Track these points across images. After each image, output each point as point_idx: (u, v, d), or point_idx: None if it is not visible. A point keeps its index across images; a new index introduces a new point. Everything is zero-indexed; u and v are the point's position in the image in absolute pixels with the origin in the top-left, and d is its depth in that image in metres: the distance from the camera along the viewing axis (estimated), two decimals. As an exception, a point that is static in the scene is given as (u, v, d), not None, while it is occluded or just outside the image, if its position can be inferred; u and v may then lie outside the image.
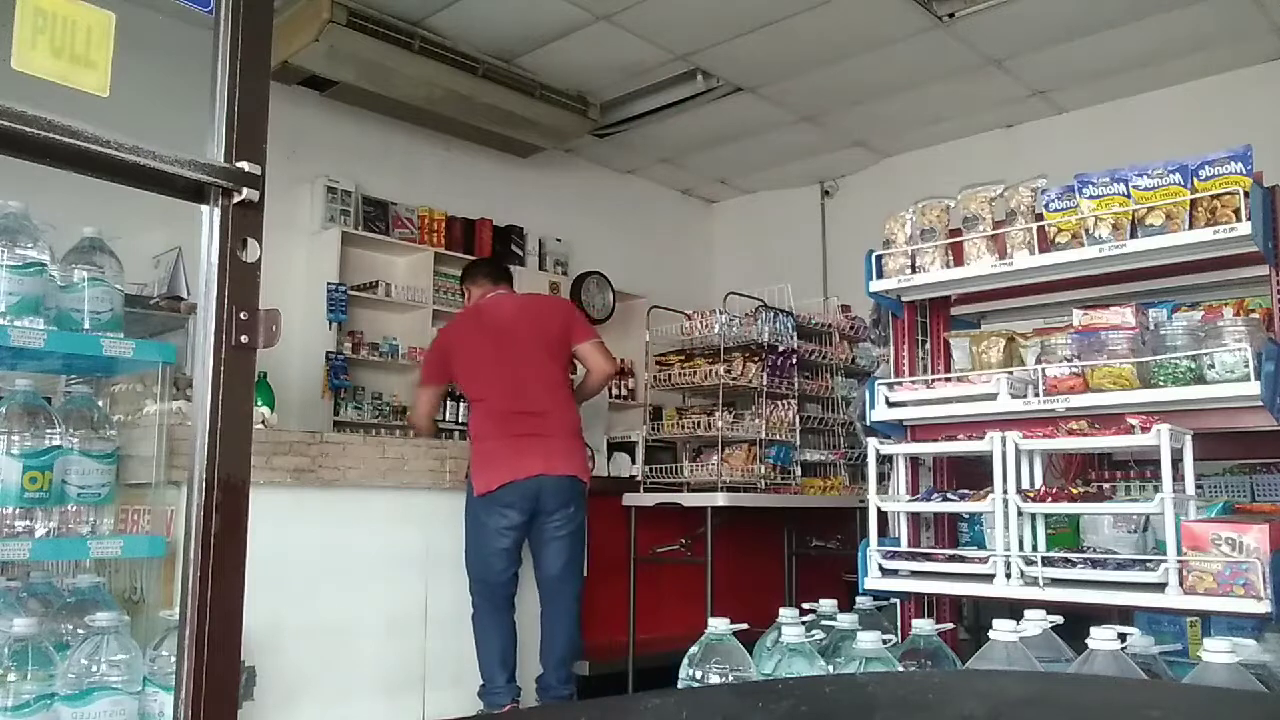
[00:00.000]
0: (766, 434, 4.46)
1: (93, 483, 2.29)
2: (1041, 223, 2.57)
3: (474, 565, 3.63)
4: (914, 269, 2.77)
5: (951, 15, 4.89)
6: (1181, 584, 2.06)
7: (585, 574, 3.94)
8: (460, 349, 3.84)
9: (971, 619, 3.18)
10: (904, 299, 2.91)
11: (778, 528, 4.96)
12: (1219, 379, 2.25)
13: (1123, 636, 1.81)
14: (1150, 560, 2.16)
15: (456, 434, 4.95)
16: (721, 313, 4.47)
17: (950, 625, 2.32)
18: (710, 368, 4.39)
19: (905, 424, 2.80)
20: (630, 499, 4.37)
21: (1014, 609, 2.12)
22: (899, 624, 2.68)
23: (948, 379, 2.73)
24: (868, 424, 2.81)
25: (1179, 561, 2.06)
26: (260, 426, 3.41)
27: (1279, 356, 2.18)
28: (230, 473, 1.07)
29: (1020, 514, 2.29)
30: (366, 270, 5.65)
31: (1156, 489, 2.24)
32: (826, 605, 2.37)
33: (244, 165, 1.09)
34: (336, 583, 3.38)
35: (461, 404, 5.47)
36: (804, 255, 7.06)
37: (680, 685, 1.88)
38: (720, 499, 4.12)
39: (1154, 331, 2.41)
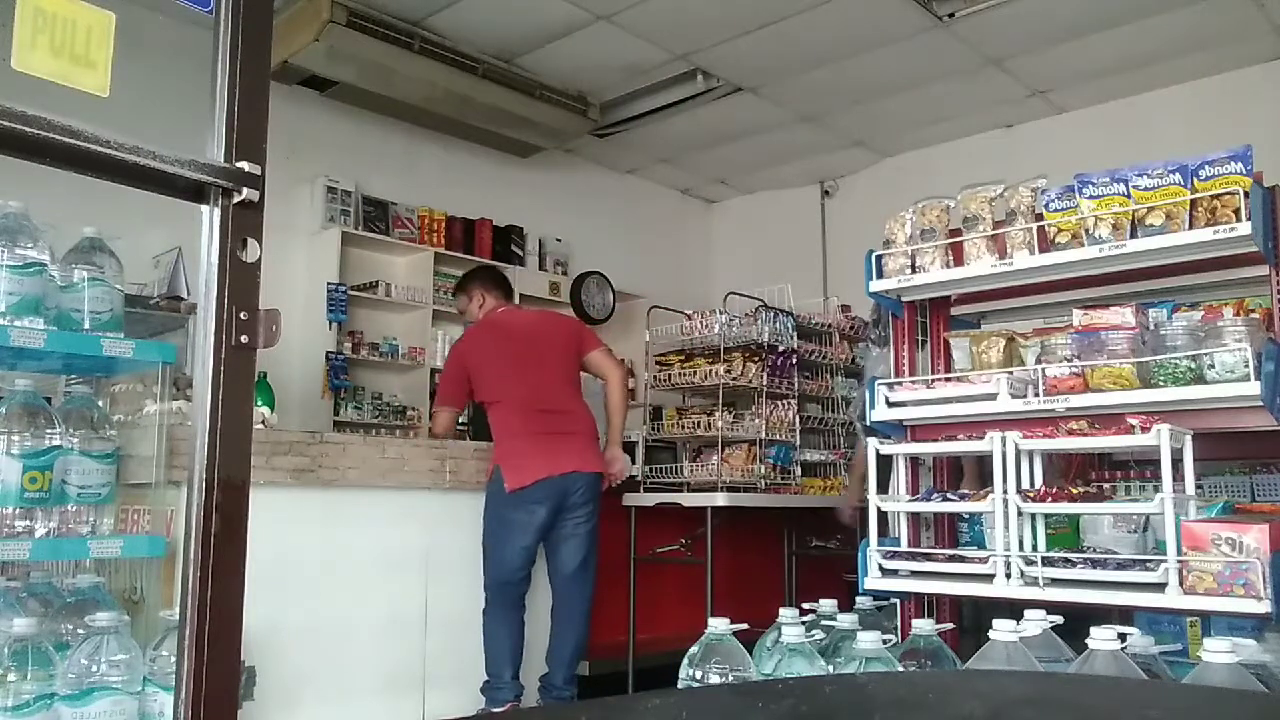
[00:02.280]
0: (766, 434, 4.46)
1: (93, 483, 2.28)
2: (1041, 223, 2.57)
3: (493, 563, 3.65)
4: (914, 269, 2.77)
5: (951, 15, 4.89)
6: (1181, 584, 2.06)
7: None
8: (480, 360, 3.90)
9: (971, 619, 3.17)
10: (904, 299, 2.91)
11: (778, 528, 4.96)
12: (1219, 379, 2.25)
13: (1123, 636, 1.81)
14: (1150, 560, 2.16)
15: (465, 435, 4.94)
16: (721, 313, 4.47)
17: (950, 625, 2.32)
18: (710, 368, 4.39)
19: (905, 424, 2.80)
20: (630, 499, 4.37)
21: (1014, 609, 2.12)
22: (899, 624, 2.68)
23: (948, 379, 2.73)
24: (868, 424, 2.81)
25: (1179, 561, 2.06)
26: (260, 426, 3.41)
27: (1279, 356, 2.18)
28: (230, 473, 1.07)
29: (1020, 514, 2.29)
30: (366, 270, 5.65)
31: (1156, 489, 2.24)
32: (826, 605, 2.37)
33: (244, 165, 1.09)
34: (336, 583, 3.38)
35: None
36: (804, 255, 7.06)
37: (680, 685, 1.88)
38: (720, 499, 4.12)
39: (1154, 331, 2.41)
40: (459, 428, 5.19)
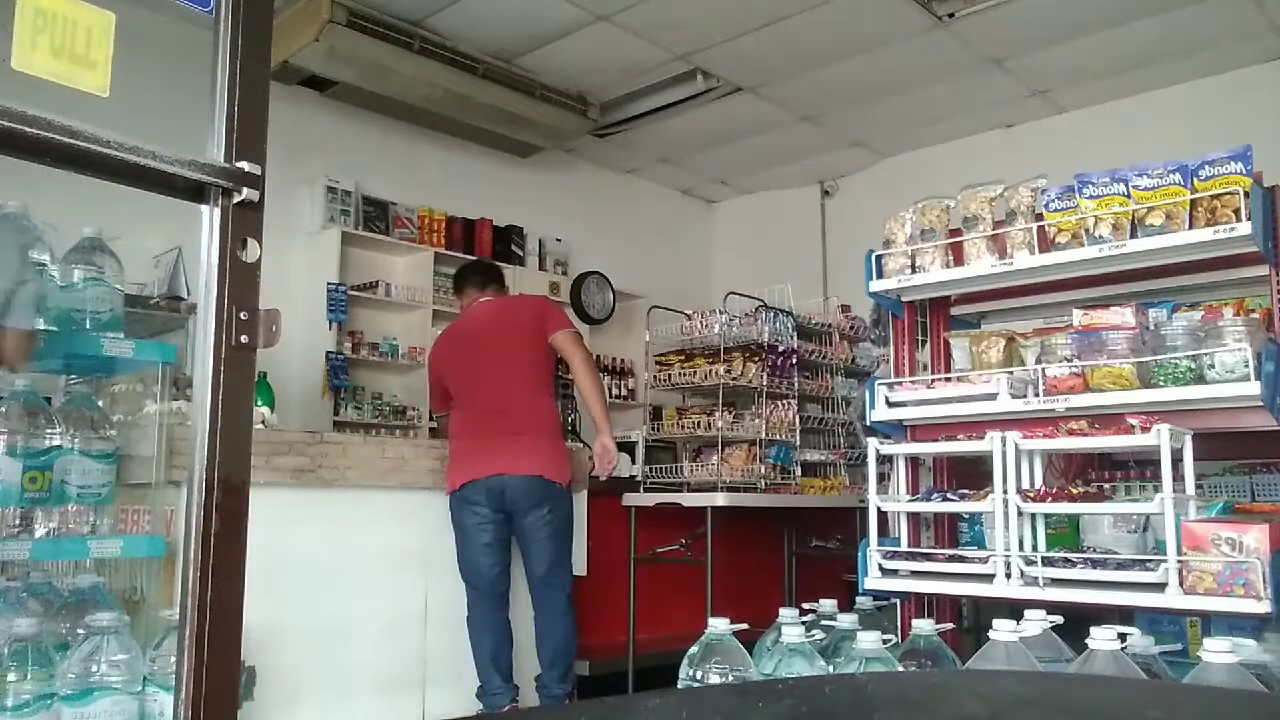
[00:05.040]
0: (766, 434, 4.46)
1: (93, 483, 2.29)
2: (1041, 223, 2.57)
3: (462, 565, 3.63)
4: (914, 269, 2.77)
5: (951, 15, 4.89)
6: (1181, 584, 2.06)
7: (583, 572, 3.94)
8: (444, 365, 3.88)
9: (971, 619, 3.17)
10: (904, 299, 2.91)
11: (778, 528, 4.96)
12: (1219, 379, 2.25)
13: (1123, 636, 1.81)
14: (1150, 560, 2.16)
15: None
16: (721, 313, 4.47)
17: (950, 625, 2.32)
18: (710, 368, 4.39)
19: (905, 424, 2.80)
20: (630, 499, 4.37)
21: (1014, 609, 2.12)
22: (899, 624, 2.68)
23: (948, 379, 2.73)
24: (868, 424, 2.81)
25: (1179, 561, 2.06)
26: (260, 426, 3.41)
27: (1279, 356, 2.18)
28: (230, 473, 1.06)
29: (1020, 514, 2.29)
30: (366, 270, 5.65)
31: (1156, 489, 2.24)
32: (826, 605, 2.37)
33: (244, 165, 1.09)
34: (336, 583, 3.38)
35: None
36: (804, 255, 7.06)
37: (680, 685, 1.88)
38: (720, 499, 4.12)
39: (1154, 331, 2.41)
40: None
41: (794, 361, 4.63)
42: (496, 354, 3.73)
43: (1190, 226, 2.33)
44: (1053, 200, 2.57)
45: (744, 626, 1.92)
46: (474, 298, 3.96)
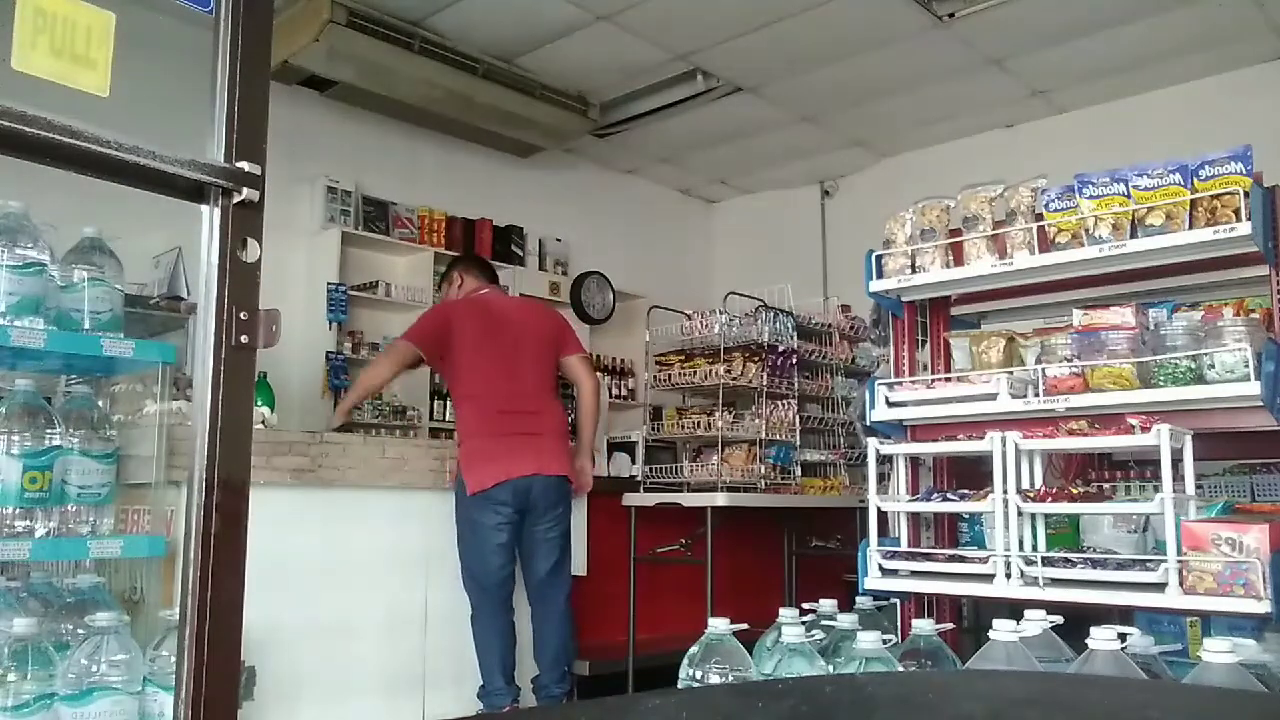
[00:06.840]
0: (766, 434, 4.45)
1: (93, 483, 2.29)
2: (1041, 223, 2.57)
3: (471, 566, 3.62)
4: (914, 269, 2.77)
5: (951, 15, 4.89)
6: (1181, 584, 2.06)
7: (583, 572, 3.95)
8: (463, 329, 3.75)
9: (971, 619, 3.17)
10: (904, 299, 2.91)
11: (778, 528, 4.96)
12: (1219, 379, 2.25)
13: (1123, 636, 1.81)
14: (1150, 560, 2.16)
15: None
16: (721, 313, 4.47)
17: (950, 625, 2.32)
18: (710, 368, 4.38)
19: (905, 424, 2.80)
20: (630, 499, 4.37)
21: (1014, 609, 2.12)
22: (899, 624, 2.68)
23: (948, 379, 2.73)
24: (868, 424, 2.81)
25: (1179, 561, 2.06)
26: (260, 426, 3.41)
27: (1279, 356, 2.18)
28: (230, 473, 1.06)
29: (1020, 514, 2.29)
30: (366, 270, 5.64)
31: (1156, 489, 2.24)
32: (826, 605, 2.37)
33: (244, 165, 1.09)
34: (336, 583, 3.38)
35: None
36: (804, 255, 7.06)
37: (680, 685, 1.88)
38: (720, 499, 4.12)
39: (1154, 331, 2.41)
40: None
41: (794, 361, 4.63)
42: (524, 353, 3.77)
43: (1190, 226, 2.33)
44: (1053, 200, 2.57)
45: (744, 626, 1.93)
46: (480, 284, 3.98)
